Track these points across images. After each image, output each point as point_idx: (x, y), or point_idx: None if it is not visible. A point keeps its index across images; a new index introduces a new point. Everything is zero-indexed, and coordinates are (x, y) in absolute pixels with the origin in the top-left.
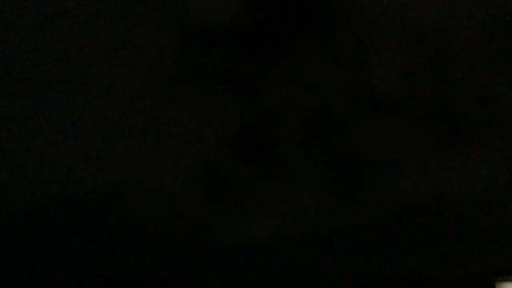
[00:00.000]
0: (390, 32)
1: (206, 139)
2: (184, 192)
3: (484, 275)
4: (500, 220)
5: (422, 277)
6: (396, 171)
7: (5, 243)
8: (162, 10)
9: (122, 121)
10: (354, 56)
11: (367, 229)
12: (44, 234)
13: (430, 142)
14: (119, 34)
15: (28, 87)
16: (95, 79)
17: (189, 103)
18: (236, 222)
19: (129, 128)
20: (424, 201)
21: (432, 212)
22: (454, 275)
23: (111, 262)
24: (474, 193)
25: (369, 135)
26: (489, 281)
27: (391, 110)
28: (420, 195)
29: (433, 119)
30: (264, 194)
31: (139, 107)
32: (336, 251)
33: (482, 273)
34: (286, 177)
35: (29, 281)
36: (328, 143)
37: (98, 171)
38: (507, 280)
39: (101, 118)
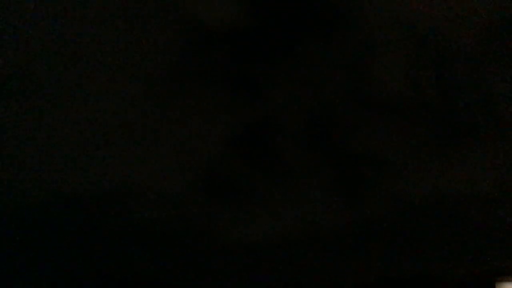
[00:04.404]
0: (392, 34)
1: (208, 140)
2: (186, 193)
3: (484, 275)
4: (500, 220)
5: (422, 277)
6: (397, 171)
7: (7, 243)
8: (164, 10)
9: (124, 122)
10: (356, 57)
11: (367, 229)
12: (45, 235)
13: (431, 142)
14: (122, 34)
15: (30, 87)
16: (97, 80)
17: (191, 104)
18: (238, 222)
19: (131, 128)
20: (424, 201)
21: (432, 212)
22: (454, 275)
23: (112, 262)
24: (474, 193)
25: (371, 135)
26: (489, 281)
27: (392, 110)
28: (421, 195)
29: (435, 120)
30: (266, 194)
31: (141, 107)
32: (337, 251)
33: (482, 273)
34: (288, 177)
35: (31, 281)
36: (329, 144)
37: (99, 172)
38: (507, 280)
39: (102, 119)
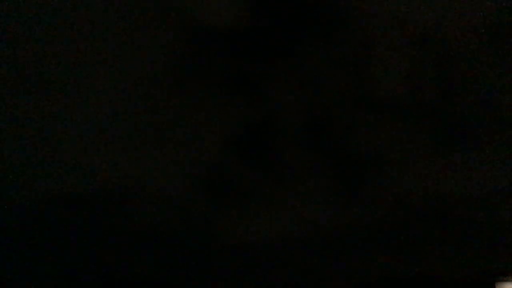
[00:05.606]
0: (392, 34)
1: (208, 140)
2: (187, 193)
3: (484, 275)
4: (500, 220)
5: (422, 277)
6: (397, 171)
7: (7, 242)
8: (165, 10)
9: (124, 122)
10: (356, 58)
11: (367, 229)
12: (45, 234)
13: (431, 142)
14: (122, 34)
15: (30, 88)
16: (97, 80)
17: (192, 104)
18: (238, 222)
19: (131, 129)
20: (424, 201)
21: (433, 212)
22: (454, 275)
23: (113, 262)
24: (474, 193)
25: (371, 135)
26: (489, 281)
27: (392, 110)
28: (421, 195)
29: (435, 120)
30: (266, 194)
31: (141, 107)
32: (337, 251)
33: (482, 273)
34: (288, 177)
35: (31, 280)
36: (330, 144)
37: (99, 172)
38: (507, 280)
39: (103, 119)
